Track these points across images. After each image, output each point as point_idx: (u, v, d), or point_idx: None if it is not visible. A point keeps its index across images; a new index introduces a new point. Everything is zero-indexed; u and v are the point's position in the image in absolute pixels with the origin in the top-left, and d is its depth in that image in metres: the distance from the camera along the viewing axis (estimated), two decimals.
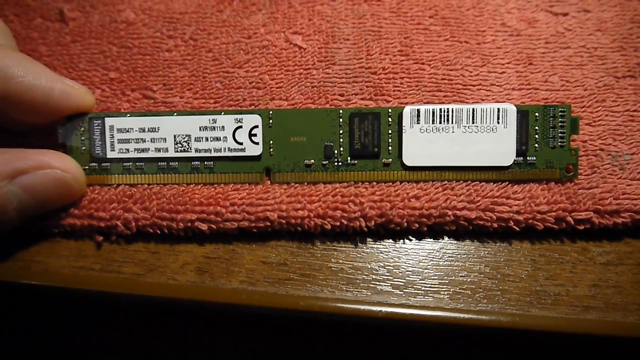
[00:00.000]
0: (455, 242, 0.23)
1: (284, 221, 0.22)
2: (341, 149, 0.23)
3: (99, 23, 0.27)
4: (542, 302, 0.21)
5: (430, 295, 0.22)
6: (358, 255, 0.23)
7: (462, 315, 0.21)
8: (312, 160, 0.23)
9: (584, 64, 0.26)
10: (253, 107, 0.25)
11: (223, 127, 0.23)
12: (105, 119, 0.23)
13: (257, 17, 0.27)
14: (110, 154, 0.23)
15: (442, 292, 0.22)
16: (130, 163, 0.23)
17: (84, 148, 0.23)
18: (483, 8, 0.27)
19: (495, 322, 0.21)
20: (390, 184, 0.23)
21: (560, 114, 0.23)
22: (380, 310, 0.21)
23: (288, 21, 0.27)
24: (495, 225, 0.22)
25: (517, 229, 0.22)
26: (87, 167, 0.23)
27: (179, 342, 0.25)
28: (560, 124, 0.23)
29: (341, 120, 0.23)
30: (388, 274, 0.22)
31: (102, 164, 0.23)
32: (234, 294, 0.22)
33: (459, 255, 0.22)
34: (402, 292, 0.22)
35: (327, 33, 0.27)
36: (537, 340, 0.22)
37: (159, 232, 0.23)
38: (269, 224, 0.22)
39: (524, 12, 0.27)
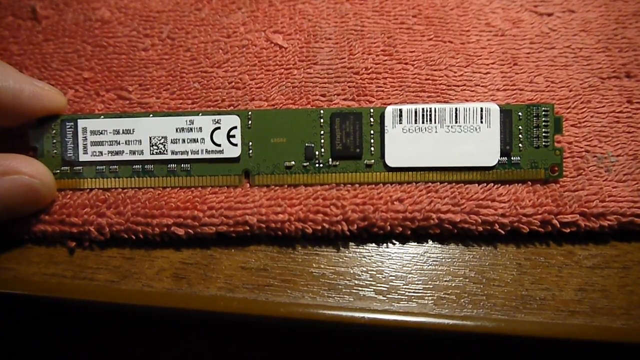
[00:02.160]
0: (439, 245, 0.22)
1: (263, 225, 0.22)
2: (322, 150, 0.23)
3: (72, 21, 0.26)
4: (528, 307, 0.21)
5: (414, 300, 0.21)
6: (340, 260, 0.22)
7: (446, 321, 0.20)
8: (293, 162, 0.23)
9: (569, 65, 0.25)
10: (232, 107, 0.24)
11: (200, 128, 0.22)
12: (78, 120, 0.22)
13: (236, 16, 0.27)
14: (82, 157, 0.22)
15: (426, 298, 0.21)
16: (104, 166, 0.22)
17: (55, 151, 0.22)
18: (467, 7, 0.27)
19: (480, 328, 0.20)
20: (373, 186, 0.23)
21: (543, 113, 0.22)
22: (363, 317, 0.20)
23: (269, 20, 0.26)
24: (480, 228, 0.22)
25: (503, 232, 0.22)
26: (58, 170, 0.22)
27: (155, 351, 0.25)
28: (544, 123, 0.22)
29: (322, 120, 0.23)
30: (371, 279, 0.22)
31: (75, 168, 0.22)
32: (212, 301, 0.21)
33: (443, 260, 0.22)
34: (385, 298, 0.21)
35: (308, 32, 0.26)
36: (523, 346, 0.21)
37: (133, 237, 0.22)
38: (248, 228, 0.22)
39: (509, 12, 0.27)
